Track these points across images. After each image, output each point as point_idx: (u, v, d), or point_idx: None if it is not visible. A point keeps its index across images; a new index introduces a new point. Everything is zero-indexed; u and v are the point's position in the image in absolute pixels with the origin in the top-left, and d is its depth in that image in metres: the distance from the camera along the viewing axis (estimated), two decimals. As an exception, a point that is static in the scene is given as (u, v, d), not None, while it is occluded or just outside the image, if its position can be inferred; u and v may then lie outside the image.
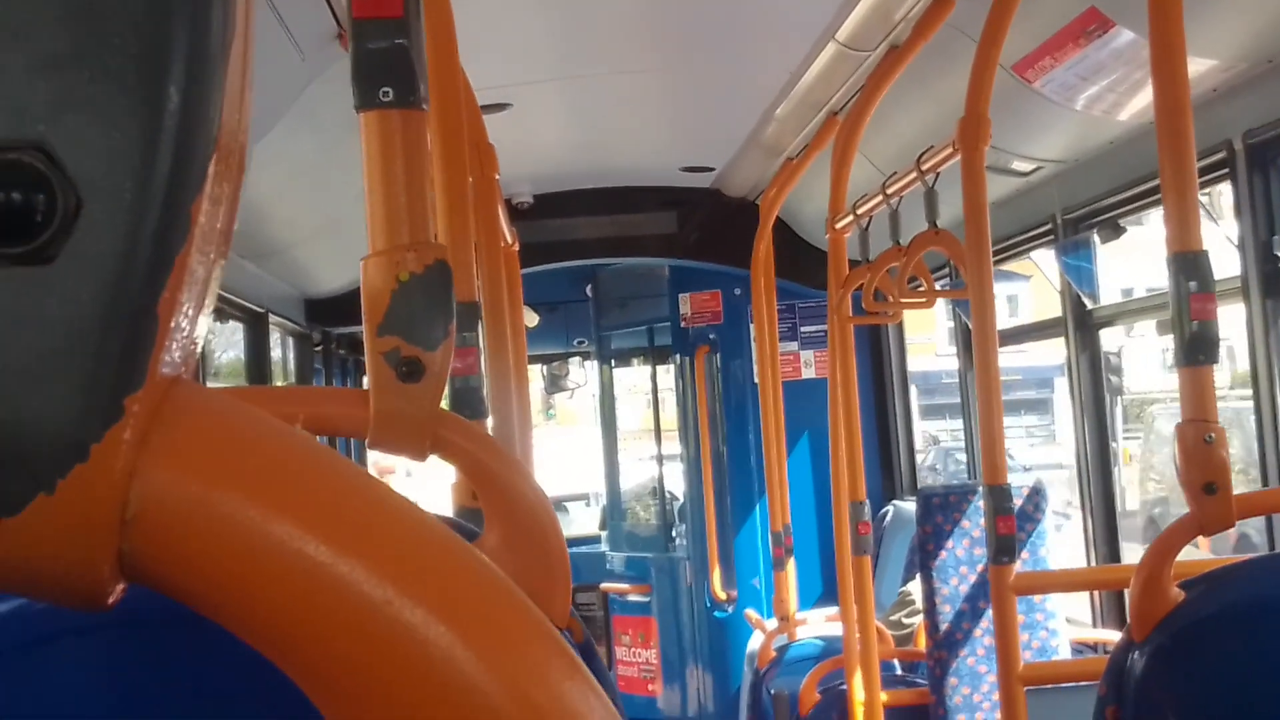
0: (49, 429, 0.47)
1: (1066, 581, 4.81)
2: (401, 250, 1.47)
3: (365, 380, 1.52)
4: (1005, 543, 3.71)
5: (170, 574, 0.49)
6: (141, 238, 0.47)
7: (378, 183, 1.49)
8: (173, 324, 0.48)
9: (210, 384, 6.03)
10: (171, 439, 0.49)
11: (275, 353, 7.41)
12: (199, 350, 0.51)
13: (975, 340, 3.97)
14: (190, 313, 0.49)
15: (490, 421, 3.13)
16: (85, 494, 0.48)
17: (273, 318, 7.00)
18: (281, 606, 0.48)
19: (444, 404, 2.53)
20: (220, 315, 6.29)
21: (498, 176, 3.78)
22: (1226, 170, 4.48)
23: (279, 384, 7.67)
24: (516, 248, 5.44)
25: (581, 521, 12.26)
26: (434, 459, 1.58)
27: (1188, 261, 2.66)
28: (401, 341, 1.45)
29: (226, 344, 6.46)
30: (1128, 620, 2.68)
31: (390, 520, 0.49)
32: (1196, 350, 2.65)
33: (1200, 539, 2.70)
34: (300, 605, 0.48)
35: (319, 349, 8.35)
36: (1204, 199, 4.57)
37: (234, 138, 0.50)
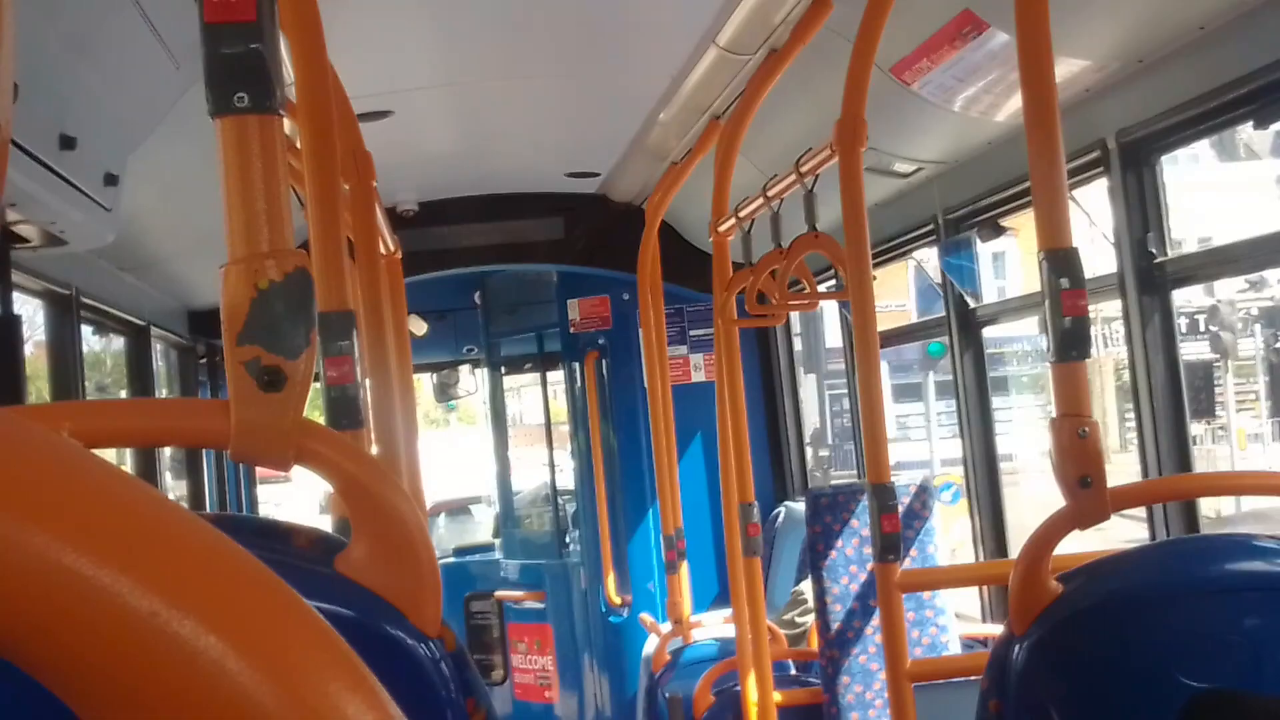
0: None
1: (951, 578, 4.86)
2: (260, 258, 1.45)
3: None
4: (890, 540, 3.73)
5: None
6: None
7: (235, 189, 1.47)
8: None
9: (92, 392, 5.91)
10: None
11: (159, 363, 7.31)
12: None
13: (856, 341, 3.99)
14: None
15: (372, 431, 3.10)
16: None
17: (154, 330, 6.90)
18: (40, 621, 0.46)
19: (320, 413, 2.50)
20: (100, 329, 6.19)
21: (375, 183, 3.74)
22: (1101, 169, 4.54)
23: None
24: (399, 255, 5.40)
25: (485, 524, 12.13)
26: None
27: (1059, 258, 2.69)
28: (262, 350, 1.43)
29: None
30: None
31: (157, 528, 0.47)
32: (1069, 346, 2.69)
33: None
34: (61, 620, 0.45)
35: (204, 361, 8.24)
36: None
37: None
